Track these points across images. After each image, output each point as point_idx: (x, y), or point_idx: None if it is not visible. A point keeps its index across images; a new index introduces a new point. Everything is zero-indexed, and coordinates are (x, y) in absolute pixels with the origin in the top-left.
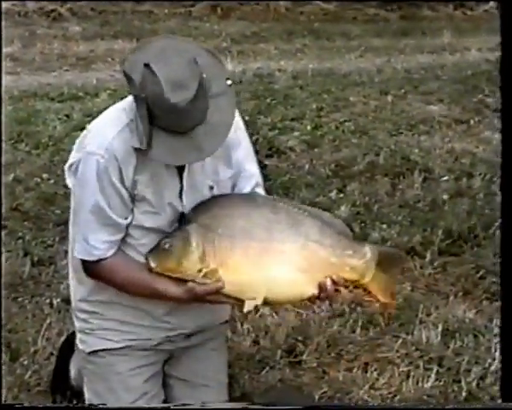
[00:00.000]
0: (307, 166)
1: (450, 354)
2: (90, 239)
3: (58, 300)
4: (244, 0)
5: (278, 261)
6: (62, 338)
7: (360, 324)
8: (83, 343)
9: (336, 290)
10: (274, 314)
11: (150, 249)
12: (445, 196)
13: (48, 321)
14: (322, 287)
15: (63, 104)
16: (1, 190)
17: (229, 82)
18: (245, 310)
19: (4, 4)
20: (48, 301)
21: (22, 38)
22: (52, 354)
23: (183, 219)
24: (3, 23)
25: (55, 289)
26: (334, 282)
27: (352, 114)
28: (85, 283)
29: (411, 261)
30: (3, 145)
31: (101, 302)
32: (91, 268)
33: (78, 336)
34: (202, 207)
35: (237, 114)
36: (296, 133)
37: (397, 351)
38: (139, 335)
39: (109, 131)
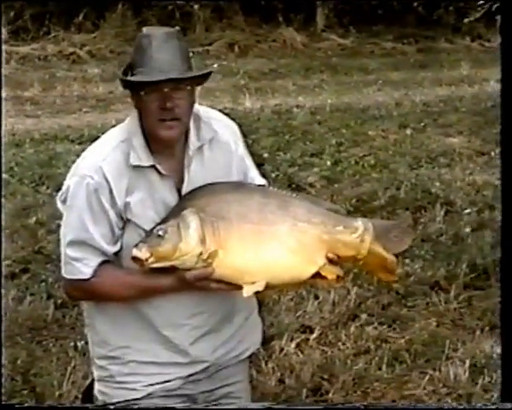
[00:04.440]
0: None
1: (479, 391)
2: (75, 260)
3: (82, 342)
4: None
5: (272, 244)
6: (88, 382)
7: (386, 361)
8: (102, 395)
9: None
10: (299, 353)
11: (140, 240)
12: (468, 229)
13: (72, 364)
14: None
15: (84, 146)
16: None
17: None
18: (244, 294)
19: (24, 49)
20: (72, 343)
21: (42, 81)
22: (77, 397)
23: (174, 207)
24: (23, 67)
25: (79, 332)
26: (329, 260)
27: (372, 148)
28: (99, 327)
29: (436, 296)
30: (25, 188)
31: (119, 347)
32: (77, 288)
33: (97, 386)
34: (195, 194)
35: (236, 126)
36: (316, 169)
37: (424, 388)
38: (159, 376)
39: (100, 152)
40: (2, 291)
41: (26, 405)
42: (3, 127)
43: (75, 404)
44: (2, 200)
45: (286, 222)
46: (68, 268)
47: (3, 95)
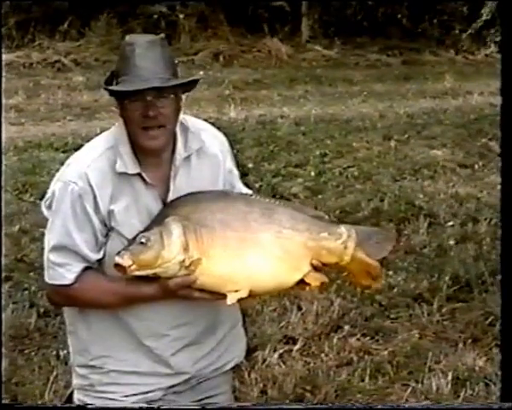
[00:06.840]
0: None
1: (461, 403)
2: (58, 265)
3: (65, 351)
4: None
5: (256, 251)
6: (69, 391)
7: (369, 372)
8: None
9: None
10: (282, 364)
11: (122, 248)
12: (451, 242)
13: (55, 373)
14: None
15: (68, 154)
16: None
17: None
18: (228, 303)
19: (8, 56)
20: (54, 352)
21: (27, 88)
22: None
23: (157, 215)
24: (8, 75)
25: (61, 341)
26: (314, 267)
27: (356, 159)
28: (81, 335)
29: (419, 308)
30: (8, 196)
31: (100, 356)
32: (59, 293)
33: (76, 395)
34: (178, 202)
35: (224, 138)
36: (300, 180)
37: (406, 400)
38: (140, 387)
39: (85, 158)
40: None
41: (26, 405)
42: (3, 134)
43: (75, 404)
44: None
45: (270, 230)
46: (51, 273)
47: None
